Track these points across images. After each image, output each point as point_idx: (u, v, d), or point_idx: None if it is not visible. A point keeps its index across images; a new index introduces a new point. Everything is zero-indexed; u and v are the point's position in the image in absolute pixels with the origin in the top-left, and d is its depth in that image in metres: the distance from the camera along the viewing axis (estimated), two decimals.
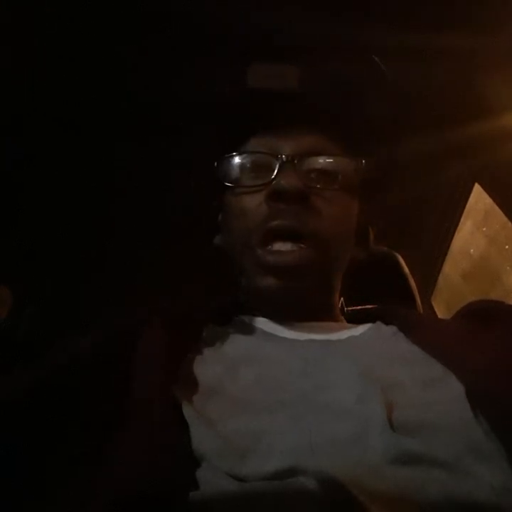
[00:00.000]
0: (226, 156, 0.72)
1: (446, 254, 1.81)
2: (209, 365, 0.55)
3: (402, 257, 1.20)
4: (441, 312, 1.79)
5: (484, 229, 1.83)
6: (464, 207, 1.62)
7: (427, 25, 0.89)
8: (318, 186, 0.68)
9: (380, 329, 0.66)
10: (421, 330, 0.63)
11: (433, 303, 1.85)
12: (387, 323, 0.67)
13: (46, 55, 0.91)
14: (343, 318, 0.75)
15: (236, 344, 0.61)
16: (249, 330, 0.65)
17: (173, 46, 0.88)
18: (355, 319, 0.72)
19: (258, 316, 0.69)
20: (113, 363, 0.50)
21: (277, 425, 0.45)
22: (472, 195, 1.55)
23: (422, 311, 1.16)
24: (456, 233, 1.74)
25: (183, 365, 0.53)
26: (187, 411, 0.45)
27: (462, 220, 1.70)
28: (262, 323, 0.67)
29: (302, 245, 0.66)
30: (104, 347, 0.54)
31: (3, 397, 0.43)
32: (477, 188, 1.48)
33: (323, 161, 0.70)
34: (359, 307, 0.81)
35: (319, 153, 0.70)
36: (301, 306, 0.68)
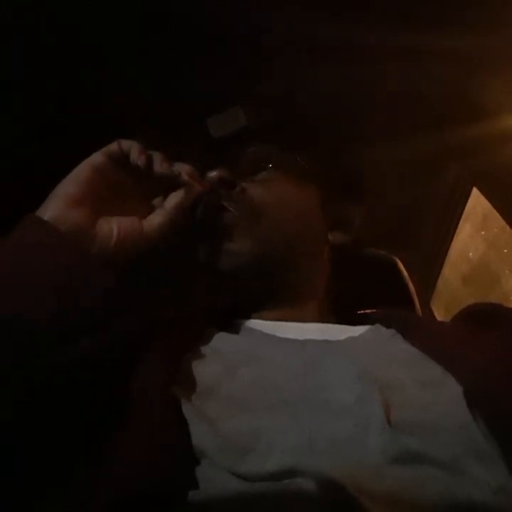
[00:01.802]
0: None
1: (445, 257, 1.82)
2: (208, 365, 0.54)
3: (401, 261, 1.20)
4: (441, 315, 1.79)
5: (483, 232, 1.84)
6: (462, 210, 1.63)
7: (427, 25, 0.90)
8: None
9: (379, 331, 0.66)
10: (420, 332, 0.63)
11: (432, 306, 1.85)
12: (386, 326, 0.67)
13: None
14: (331, 319, 0.74)
15: (235, 344, 0.61)
16: (248, 330, 0.65)
17: (173, 46, 0.88)
18: (354, 322, 0.72)
19: (257, 317, 0.68)
20: (113, 363, 0.50)
21: (277, 424, 0.45)
22: (471, 198, 1.56)
23: (421, 315, 1.16)
24: (455, 237, 1.74)
25: (183, 365, 0.53)
26: (187, 409, 0.45)
27: (461, 223, 1.70)
28: (260, 324, 0.67)
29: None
30: (105, 347, 0.54)
31: (4, 397, 0.42)
32: (475, 191, 1.49)
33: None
34: (358, 311, 0.81)
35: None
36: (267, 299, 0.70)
